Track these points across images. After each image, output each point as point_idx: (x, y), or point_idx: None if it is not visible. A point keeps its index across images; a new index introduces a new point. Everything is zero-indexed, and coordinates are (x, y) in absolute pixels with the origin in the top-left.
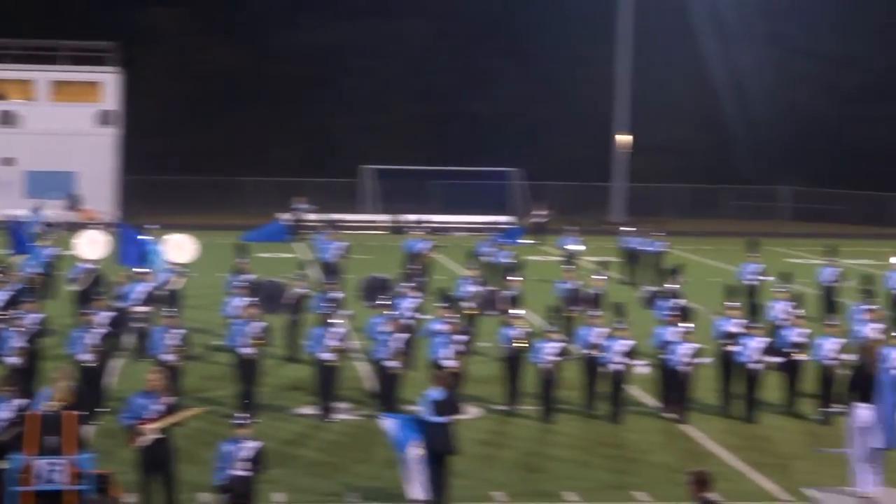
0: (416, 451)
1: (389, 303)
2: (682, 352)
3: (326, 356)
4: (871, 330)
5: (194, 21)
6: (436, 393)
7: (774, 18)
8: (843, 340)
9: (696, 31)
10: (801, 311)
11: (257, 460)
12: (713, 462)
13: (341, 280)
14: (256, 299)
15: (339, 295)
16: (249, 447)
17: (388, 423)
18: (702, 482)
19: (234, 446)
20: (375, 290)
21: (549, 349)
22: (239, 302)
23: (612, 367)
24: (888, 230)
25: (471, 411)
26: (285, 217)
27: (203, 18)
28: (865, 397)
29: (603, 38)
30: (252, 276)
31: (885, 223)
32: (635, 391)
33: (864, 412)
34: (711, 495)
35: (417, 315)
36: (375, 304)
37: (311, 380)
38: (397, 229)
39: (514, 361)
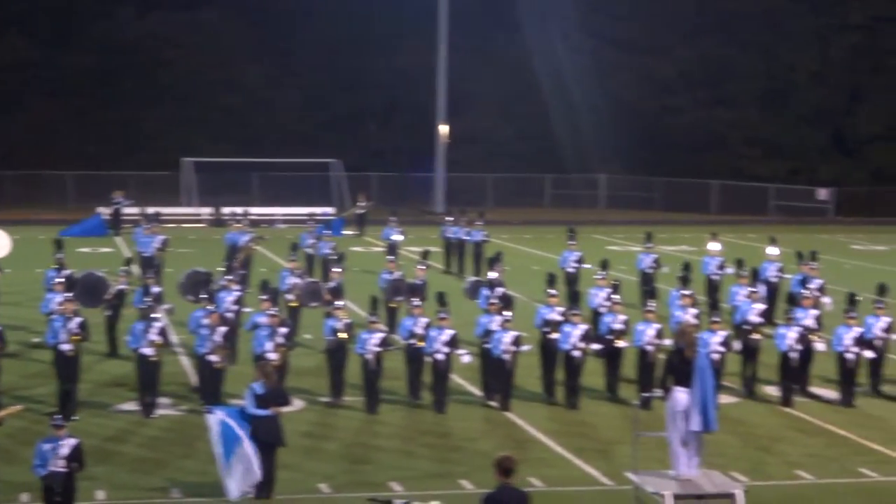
0: (246, 447)
1: (211, 296)
2: (504, 340)
3: (147, 351)
4: (688, 315)
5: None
6: (259, 386)
7: (589, 9)
8: (660, 326)
9: (513, 21)
10: (619, 298)
11: (75, 457)
12: (537, 448)
13: (161, 274)
14: (75, 295)
15: (159, 289)
16: (67, 444)
17: (213, 418)
18: (505, 469)
19: (52, 444)
20: (196, 283)
21: (373, 340)
22: (57, 298)
23: (435, 356)
24: (704, 217)
25: (295, 403)
26: (104, 211)
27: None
28: (683, 381)
29: (421, 27)
30: (70, 272)
31: (701, 210)
32: (458, 380)
33: (681, 396)
34: (512, 481)
35: (240, 308)
36: (197, 297)
37: (132, 375)
38: (218, 222)
39: (337, 353)
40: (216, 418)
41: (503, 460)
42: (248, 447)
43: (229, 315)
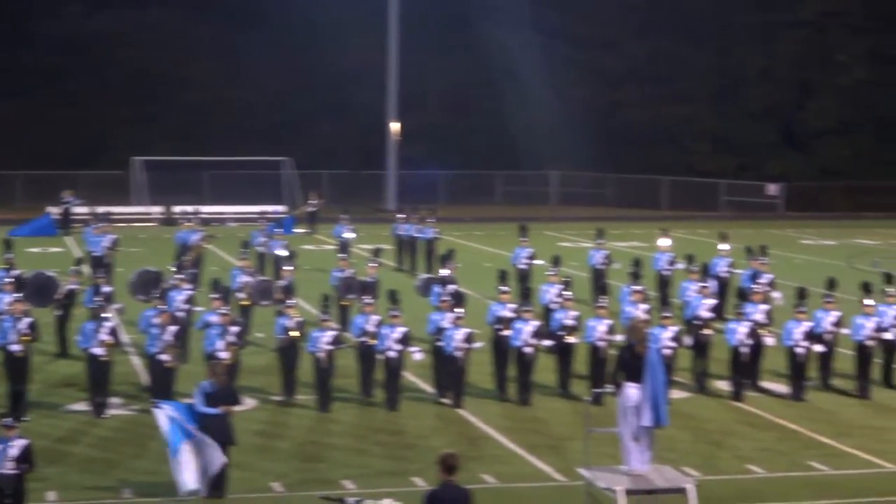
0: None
1: (161, 295)
2: (456, 337)
3: (98, 351)
4: (639, 311)
5: None
6: (209, 385)
7: (540, 4)
8: (612, 322)
9: (464, 18)
10: (570, 294)
11: (25, 458)
12: (489, 445)
13: (112, 273)
14: (25, 295)
15: (110, 289)
16: (17, 445)
17: (163, 412)
18: (449, 466)
19: (2, 445)
20: (147, 283)
21: (324, 338)
22: (7, 298)
23: (387, 354)
24: (655, 213)
25: (247, 402)
26: (54, 211)
27: None
28: (634, 377)
29: (372, 24)
30: (19, 272)
31: (652, 206)
32: (411, 377)
33: (632, 392)
34: (452, 479)
35: (191, 307)
36: (147, 296)
37: (82, 375)
38: (168, 221)
39: (289, 351)
40: (164, 413)
41: (446, 458)
42: (200, 438)
43: (180, 314)
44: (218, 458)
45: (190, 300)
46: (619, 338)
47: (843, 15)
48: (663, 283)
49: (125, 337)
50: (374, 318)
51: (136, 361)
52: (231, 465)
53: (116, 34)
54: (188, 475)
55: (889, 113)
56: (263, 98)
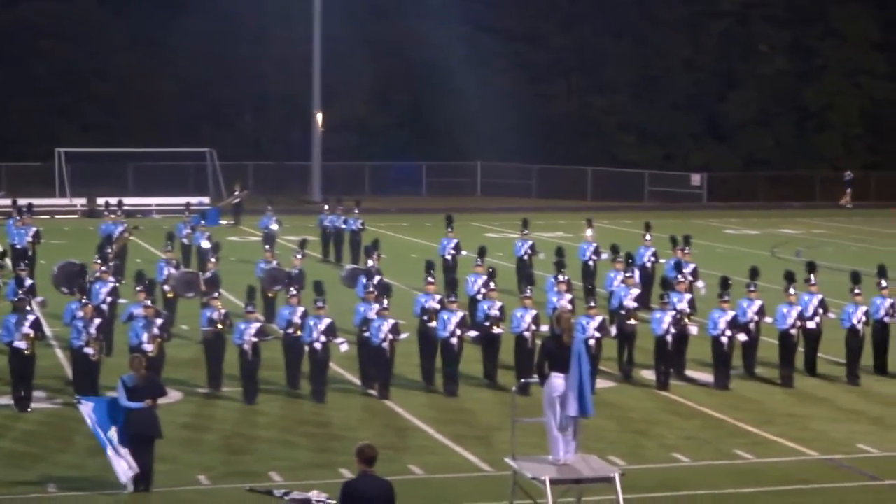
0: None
1: (85, 288)
2: (382, 328)
3: (20, 345)
4: (563, 301)
5: None
6: (130, 378)
7: None
8: (537, 312)
9: (388, 8)
10: (495, 285)
11: None
12: (416, 436)
13: (34, 266)
14: None
15: (32, 281)
16: None
17: (86, 408)
18: (367, 457)
19: None
20: (70, 275)
21: (250, 330)
22: None
23: (313, 345)
24: (580, 203)
25: (172, 395)
26: None
27: None
28: (560, 367)
29: (295, 14)
30: None
31: (577, 196)
32: (337, 369)
33: (558, 382)
34: (371, 470)
35: (115, 299)
36: (71, 289)
37: (5, 369)
38: (92, 213)
39: (214, 343)
40: (87, 409)
41: (364, 448)
42: (113, 447)
43: (104, 307)
44: (123, 470)
45: (114, 292)
46: (544, 328)
47: (765, 6)
48: (588, 273)
49: (48, 330)
50: (300, 309)
51: (60, 355)
52: (157, 458)
53: (38, 25)
54: (119, 468)
55: (810, 103)
56: (186, 89)
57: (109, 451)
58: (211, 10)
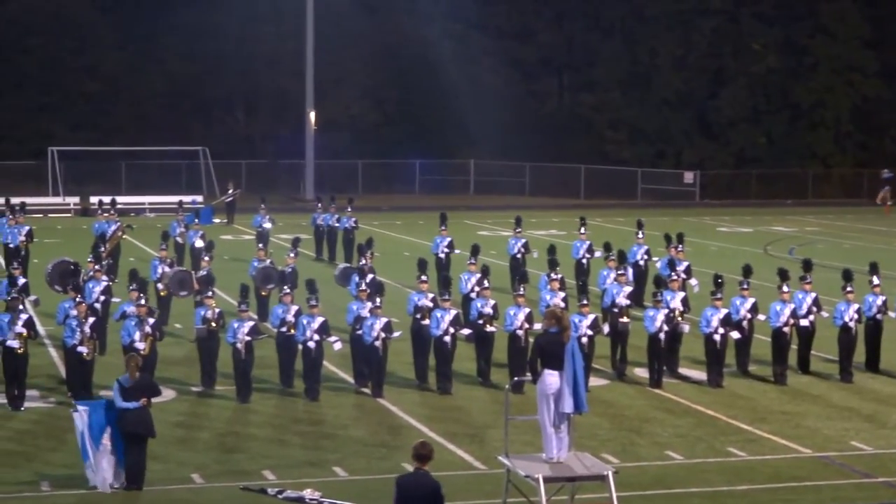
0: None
1: (78, 287)
2: (375, 327)
3: (13, 343)
4: (557, 298)
5: None
6: (126, 379)
7: None
8: (530, 310)
9: (380, 6)
10: (488, 283)
11: None
12: (410, 434)
13: (27, 265)
14: None
15: (25, 280)
16: None
17: (79, 415)
18: (420, 455)
19: None
20: (64, 274)
21: (243, 328)
22: None
23: (306, 344)
24: (573, 201)
25: (166, 393)
26: None
27: None
28: (553, 364)
29: (286, 12)
30: None
31: (570, 194)
32: (331, 367)
33: (552, 379)
34: (424, 467)
35: (108, 298)
36: (64, 288)
37: None
38: (85, 211)
39: (208, 342)
40: (80, 417)
41: (418, 447)
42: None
43: (97, 305)
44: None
45: (107, 291)
46: (538, 326)
47: (755, 4)
48: (581, 271)
49: (42, 329)
50: (293, 308)
51: (54, 353)
52: (150, 456)
53: (27, 23)
54: (104, 475)
55: (802, 100)
56: (178, 86)
57: (90, 461)
58: (201, 7)
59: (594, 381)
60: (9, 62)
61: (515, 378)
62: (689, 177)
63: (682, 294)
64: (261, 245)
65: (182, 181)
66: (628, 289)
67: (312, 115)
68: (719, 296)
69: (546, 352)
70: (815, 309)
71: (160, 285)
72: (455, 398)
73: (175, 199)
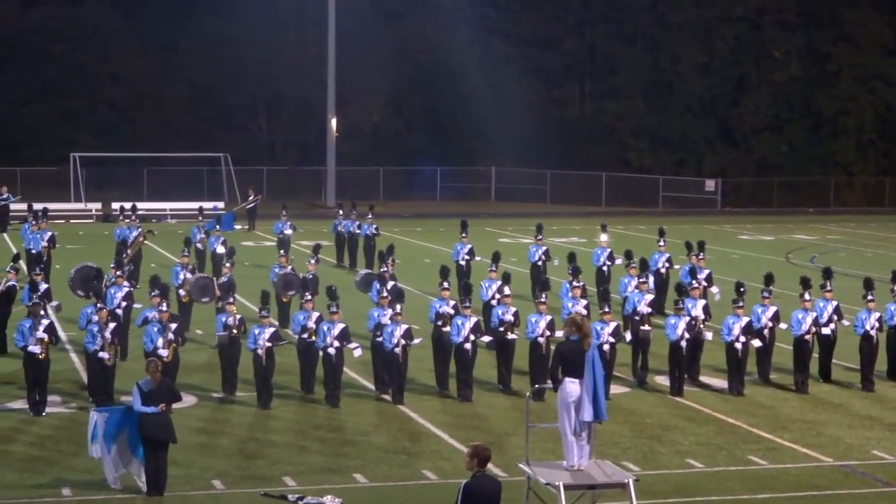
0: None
1: (100, 292)
2: (396, 334)
3: (35, 349)
4: (578, 306)
5: None
6: (146, 383)
7: (478, 1)
8: (552, 317)
9: (402, 13)
10: (509, 290)
11: None
12: (430, 441)
13: (49, 271)
14: None
15: (47, 286)
16: None
17: (98, 417)
18: (482, 459)
19: None
20: (86, 279)
21: (264, 335)
22: None
23: (327, 350)
24: (594, 208)
25: (187, 399)
26: None
27: None
28: (574, 372)
29: (308, 19)
30: None
31: (591, 202)
32: (351, 374)
33: (573, 387)
34: (483, 470)
35: (129, 304)
36: (86, 293)
37: (20, 374)
38: (106, 217)
39: (229, 348)
40: (98, 418)
41: (481, 450)
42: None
43: (119, 311)
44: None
45: (129, 297)
46: (559, 333)
47: (777, 11)
48: (602, 279)
49: (63, 334)
50: (315, 314)
51: (75, 359)
52: (171, 462)
53: (51, 30)
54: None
55: (824, 108)
56: (199, 93)
57: (97, 452)
58: (223, 14)
59: (615, 389)
60: (32, 69)
61: (536, 385)
62: (710, 185)
63: (703, 302)
64: (282, 251)
65: (204, 188)
66: (650, 296)
67: (334, 122)
68: (741, 304)
69: (567, 360)
70: (835, 317)
71: (182, 291)
72: (475, 405)
73: (197, 205)
